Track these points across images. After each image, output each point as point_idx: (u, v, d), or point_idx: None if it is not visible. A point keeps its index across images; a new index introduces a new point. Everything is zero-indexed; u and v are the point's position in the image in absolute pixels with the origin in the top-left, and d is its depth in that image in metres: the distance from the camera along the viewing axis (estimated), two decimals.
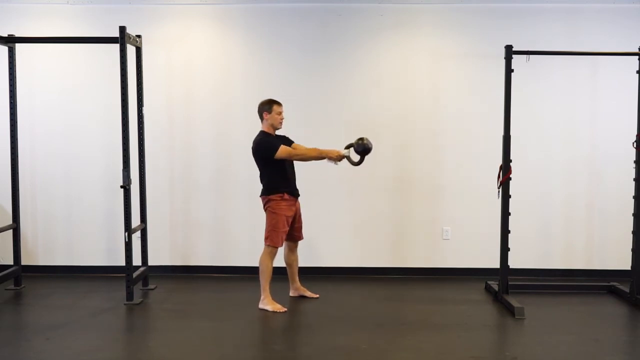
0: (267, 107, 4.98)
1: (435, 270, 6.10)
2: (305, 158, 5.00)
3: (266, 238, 4.97)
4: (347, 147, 5.00)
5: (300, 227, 5.20)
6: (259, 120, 5.04)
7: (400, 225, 6.10)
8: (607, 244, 6.03)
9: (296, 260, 5.28)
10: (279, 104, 5.01)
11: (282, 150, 4.89)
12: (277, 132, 5.08)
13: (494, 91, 5.68)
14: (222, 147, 6.08)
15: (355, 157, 4.98)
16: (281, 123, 5.02)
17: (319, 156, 4.98)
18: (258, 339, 4.51)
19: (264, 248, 4.97)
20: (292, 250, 5.25)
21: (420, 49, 6.00)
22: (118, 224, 5.78)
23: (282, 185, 4.97)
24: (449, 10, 5.96)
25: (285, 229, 4.98)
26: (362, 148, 4.89)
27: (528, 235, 5.98)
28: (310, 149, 5.04)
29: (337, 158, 4.97)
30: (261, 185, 5.04)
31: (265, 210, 5.02)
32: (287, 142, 5.09)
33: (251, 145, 4.98)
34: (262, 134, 5.00)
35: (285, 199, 4.97)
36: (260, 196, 5.05)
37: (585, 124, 6.00)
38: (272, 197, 4.96)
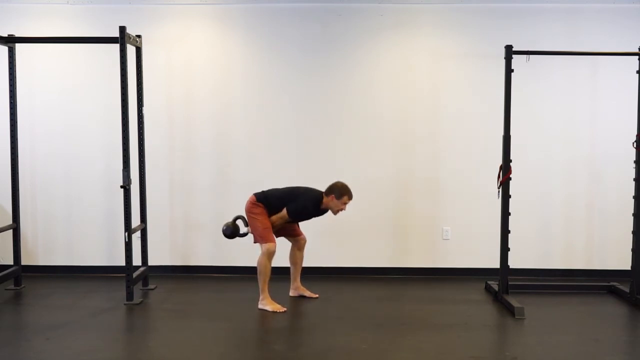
0: (339, 194, 4.96)
1: (435, 270, 6.10)
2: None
3: (259, 239, 4.99)
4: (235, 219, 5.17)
5: (296, 226, 5.23)
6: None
7: (400, 225, 6.10)
8: (607, 244, 6.03)
9: (301, 259, 5.29)
10: (350, 197, 5.00)
11: (285, 217, 4.99)
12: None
13: (494, 91, 5.68)
14: (222, 147, 6.08)
15: (243, 229, 5.15)
16: (337, 213, 5.04)
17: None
18: (258, 339, 4.51)
19: (261, 249, 4.97)
20: (299, 249, 5.26)
21: (420, 49, 6.00)
22: (118, 224, 5.79)
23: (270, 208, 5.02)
24: (449, 10, 5.96)
25: (268, 223, 4.99)
26: (229, 232, 5.13)
27: (528, 235, 5.98)
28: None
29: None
30: (261, 185, 5.05)
31: (248, 218, 5.06)
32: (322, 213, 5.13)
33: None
34: (314, 202, 4.99)
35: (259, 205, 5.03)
36: (250, 202, 5.07)
37: (585, 124, 6.00)
38: (252, 206, 5.02)
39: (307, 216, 5.07)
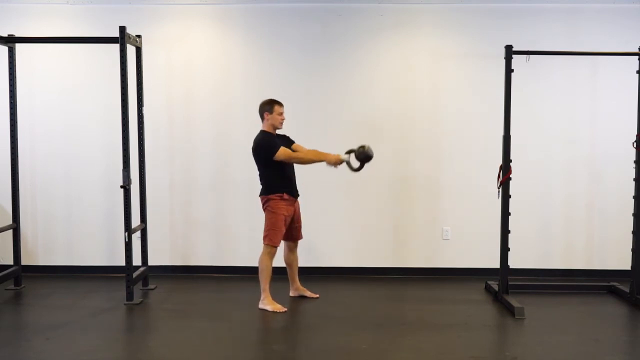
0: (269, 107, 4.98)
1: (435, 270, 6.10)
2: (304, 161, 5.00)
3: (265, 237, 4.97)
4: (348, 152, 4.96)
5: (300, 227, 5.20)
6: (259, 120, 5.04)
7: (400, 225, 6.10)
8: (607, 244, 6.03)
9: (296, 260, 5.28)
10: (280, 104, 5.01)
11: (282, 152, 4.89)
12: (278, 132, 5.07)
13: (494, 91, 5.68)
14: (222, 147, 6.08)
15: (355, 164, 4.94)
16: (282, 123, 5.02)
17: (318, 159, 4.96)
18: (258, 339, 4.51)
19: (263, 248, 4.97)
20: (291, 250, 5.25)
21: (420, 49, 6.00)
22: (118, 224, 5.79)
23: (281, 185, 4.97)
24: (449, 10, 5.96)
25: (284, 228, 4.99)
26: (364, 155, 4.85)
27: (528, 235, 5.98)
28: (309, 152, 5.03)
29: (337, 162, 4.93)
30: (260, 186, 5.04)
31: (264, 210, 5.02)
32: (288, 142, 5.09)
33: (251, 145, 4.98)
34: (263, 133, 5.00)
35: (285, 199, 4.97)
36: (259, 196, 5.05)
37: (585, 124, 6.00)
38: (271, 196, 4.96)
39: (274, 146, 4.89)
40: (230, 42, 6.06)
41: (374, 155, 4.88)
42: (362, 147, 4.86)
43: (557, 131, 6.00)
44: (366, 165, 4.91)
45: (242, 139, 6.02)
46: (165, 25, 6.01)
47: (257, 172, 5.03)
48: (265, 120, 5.00)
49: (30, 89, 5.97)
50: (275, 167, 4.93)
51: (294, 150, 5.05)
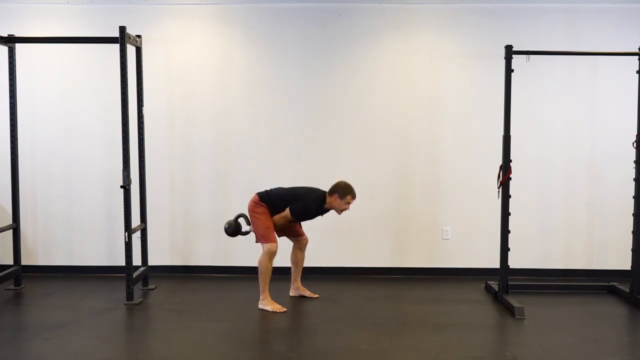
0: (342, 193, 4.93)
1: (435, 270, 6.10)
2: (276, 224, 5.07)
3: (259, 240, 4.99)
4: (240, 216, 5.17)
5: (299, 226, 5.22)
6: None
7: (400, 225, 6.10)
8: (607, 244, 6.03)
9: (303, 260, 5.29)
10: (354, 196, 4.98)
11: (288, 217, 4.98)
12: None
13: (494, 91, 5.69)
14: (222, 147, 6.08)
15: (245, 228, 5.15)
16: (340, 213, 5.03)
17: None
18: (258, 339, 4.51)
19: (262, 248, 4.97)
20: (300, 249, 5.26)
21: (420, 48, 6.00)
22: (118, 224, 5.79)
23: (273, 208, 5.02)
24: (449, 10, 5.96)
25: (272, 224, 4.99)
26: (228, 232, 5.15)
27: (528, 235, 5.98)
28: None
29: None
30: (261, 185, 5.04)
31: (250, 216, 5.06)
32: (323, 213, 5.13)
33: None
34: (317, 202, 4.98)
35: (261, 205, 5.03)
36: (257, 194, 5.06)
37: (585, 124, 6.00)
38: (263, 204, 5.01)
39: (310, 216, 5.07)
40: (230, 42, 6.05)
41: (231, 232, 5.12)
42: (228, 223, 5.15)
43: (557, 131, 6.00)
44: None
45: (242, 139, 6.04)
46: (165, 25, 6.01)
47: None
48: (330, 198, 4.96)
49: (30, 88, 5.98)
50: (278, 210, 5.01)
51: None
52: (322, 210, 5.05)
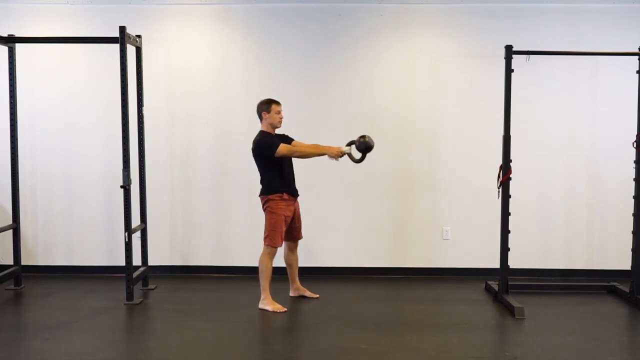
0: (266, 106, 4.98)
1: (435, 270, 6.10)
2: (305, 155, 5.00)
3: (265, 238, 4.97)
4: (349, 144, 5.02)
5: (300, 227, 5.20)
6: (258, 120, 5.04)
7: (400, 225, 6.10)
8: (607, 244, 6.03)
9: (296, 260, 5.28)
10: (277, 103, 5.01)
11: (282, 148, 4.89)
12: (277, 131, 5.07)
13: (494, 91, 5.68)
14: (222, 147, 6.08)
15: (357, 155, 4.99)
16: (280, 122, 5.02)
17: (320, 153, 4.99)
18: (258, 339, 4.51)
19: (264, 248, 4.97)
20: (292, 250, 5.25)
21: (420, 48, 6.00)
22: (118, 224, 5.79)
23: (281, 185, 4.97)
24: (448, 10, 5.96)
25: (284, 228, 4.98)
26: (364, 146, 4.91)
27: (528, 235, 5.97)
28: (310, 146, 5.05)
29: (338, 155, 4.97)
30: (260, 186, 5.03)
31: (264, 210, 5.02)
32: (287, 140, 5.09)
33: (251, 145, 4.98)
34: (261, 133, 5.00)
35: (284, 199, 4.97)
36: (259, 196, 5.05)
37: (585, 124, 6.00)
38: (271, 197, 4.96)
39: (274, 144, 4.90)
40: (230, 41, 6.05)
41: (375, 145, 4.93)
42: (363, 137, 4.92)
43: (557, 131, 6.00)
44: (368, 155, 4.95)
45: (242, 139, 6.02)
46: (165, 25, 6.01)
47: (257, 173, 5.02)
48: (263, 120, 5.00)
49: (30, 88, 5.97)
50: (274, 166, 4.93)
51: (295, 144, 5.09)
52: (274, 137, 4.97)
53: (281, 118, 5.01)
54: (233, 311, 4.99)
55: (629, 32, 5.82)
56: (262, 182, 5.03)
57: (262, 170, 5.00)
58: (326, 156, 5.00)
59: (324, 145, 5.03)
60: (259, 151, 4.93)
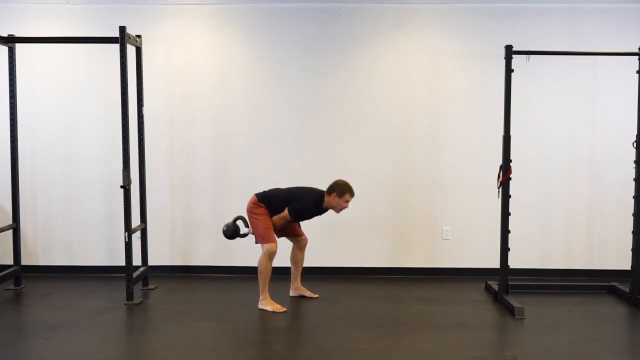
0: (340, 191, 4.94)
1: (435, 270, 6.10)
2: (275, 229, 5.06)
3: (259, 240, 4.98)
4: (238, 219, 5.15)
5: (298, 227, 5.22)
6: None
7: (400, 225, 6.10)
8: (607, 244, 6.03)
9: (302, 260, 5.29)
10: (352, 194, 4.98)
11: (287, 217, 4.97)
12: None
13: (493, 91, 5.69)
14: (222, 147, 6.08)
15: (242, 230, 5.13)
16: (340, 212, 5.04)
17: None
18: (258, 339, 4.51)
19: (262, 249, 4.97)
20: (300, 249, 5.26)
21: (420, 48, 6.00)
22: (118, 224, 5.79)
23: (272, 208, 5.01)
24: (449, 10, 5.96)
25: (271, 224, 4.99)
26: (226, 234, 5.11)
27: (528, 235, 5.97)
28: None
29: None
30: (261, 185, 5.04)
31: (248, 216, 5.06)
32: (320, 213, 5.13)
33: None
34: (318, 201, 4.98)
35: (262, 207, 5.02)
36: (255, 195, 5.06)
37: (585, 124, 6.00)
38: (261, 205, 5.01)
39: (309, 216, 5.07)
40: (230, 42, 6.05)
41: (229, 234, 5.09)
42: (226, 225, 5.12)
43: (557, 131, 6.00)
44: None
45: (242, 139, 6.05)
46: (165, 25, 6.01)
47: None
48: (328, 197, 4.97)
49: (30, 88, 5.97)
50: (278, 210, 5.00)
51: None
52: (320, 210, 5.05)
53: (343, 209, 5.01)
54: (233, 311, 4.99)
55: (629, 32, 5.82)
56: (273, 200, 5.01)
57: (282, 204, 4.98)
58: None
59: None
60: (296, 208, 4.94)
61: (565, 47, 5.77)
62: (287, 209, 4.95)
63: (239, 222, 5.12)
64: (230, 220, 5.15)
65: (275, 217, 4.99)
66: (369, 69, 6.01)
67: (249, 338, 4.46)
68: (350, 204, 5.02)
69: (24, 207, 5.90)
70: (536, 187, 6.02)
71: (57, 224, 6.14)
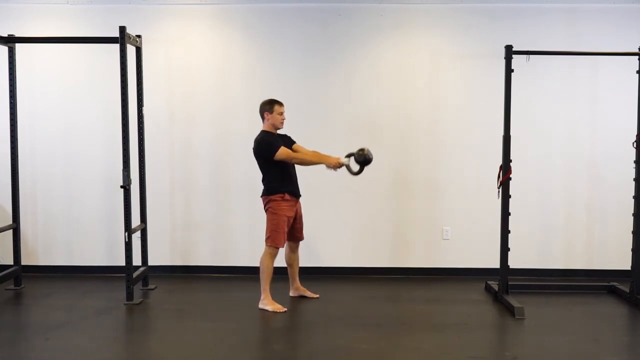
0: (269, 106, 4.98)
1: (435, 270, 6.09)
2: (304, 162, 4.99)
3: (267, 238, 4.96)
4: (348, 156, 4.93)
5: (302, 228, 5.20)
6: (260, 119, 5.04)
7: (400, 225, 6.10)
8: (607, 244, 6.03)
9: (297, 260, 5.28)
10: (280, 104, 5.01)
11: (282, 152, 4.88)
12: (279, 132, 5.07)
13: (493, 91, 5.68)
14: (222, 147, 6.08)
15: (355, 167, 4.92)
16: (282, 123, 5.02)
17: (318, 161, 4.96)
18: (258, 339, 4.51)
19: (265, 248, 4.96)
20: (293, 250, 5.25)
21: (420, 48, 6.00)
22: (118, 224, 5.79)
23: (283, 185, 4.96)
24: (448, 10, 5.96)
25: (286, 229, 4.98)
26: (363, 159, 4.83)
27: (528, 235, 5.97)
28: (310, 154, 5.02)
29: (337, 165, 4.92)
30: (261, 185, 5.03)
31: (265, 211, 5.01)
32: (289, 142, 5.09)
33: (252, 144, 4.98)
34: (263, 133, 5.00)
35: (286, 199, 4.96)
36: (260, 196, 5.04)
37: (585, 124, 6.00)
38: (273, 197, 4.95)
39: (275, 146, 4.88)
40: (230, 42, 6.05)
41: (373, 158, 4.86)
42: (362, 150, 4.84)
43: (557, 131, 6.00)
44: (366, 168, 4.89)
45: (242, 139, 6.02)
46: (165, 25, 6.01)
47: (258, 172, 5.02)
48: (265, 120, 5.00)
49: (30, 88, 5.97)
50: (276, 167, 4.93)
51: (294, 151, 5.04)
52: (276, 136, 4.98)
53: (283, 119, 5.01)
54: (233, 311, 4.99)
55: (629, 32, 5.82)
56: (263, 181, 5.02)
57: (263, 170, 4.99)
58: (324, 166, 4.95)
59: (324, 154, 5.00)
60: (260, 151, 4.93)
61: (565, 47, 5.77)
62: (267, 159, 4.87)
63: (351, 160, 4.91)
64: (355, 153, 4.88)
65: (292, 157, 4.89)
66: (369, 69, 6.01)
67: (249, 338, 4.46)
68: (285, 113, 5.01)
69: (24, 207, 5.89)
70: (536, 187, 6.02)
71: (57, 224, 6.14)
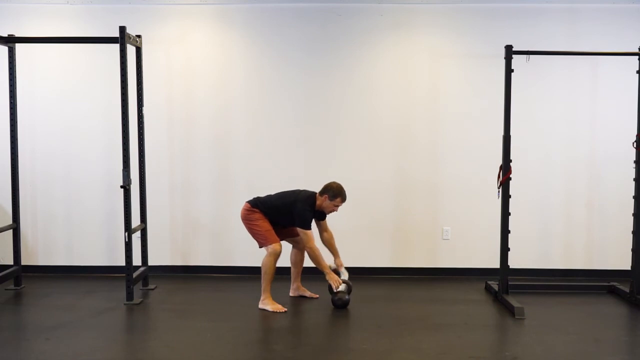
0: (333, 195, 4.95)
1: (435, 270, 6.10)
2: (312, 258, 4.98)
3: (260, 244, 4.98)
4: (344, 282, 5.07)
5: (293, 227, 5.21)
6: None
7: (400, 225, 6.10)
8: (607, 244, 6.03)
9: (302, 261, 5.29)
10: (344, 200, 5.00)
11: (308, 235, 4.89)
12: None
13: (493, 91, 5.69)
14: (222, 147, 6.08)
15: (343, 295, 5.02)
16: (330, 213, 5.04)
17: (322, 270, 4.98)
18: (258, 339, 4.51)
19: (266, 250, 4.96)
20: (300, 250, 5.25)
21: (419, 49, 6.00)
22: (118, 224, 5.79)
23: (266, 214, 4.98)
24: (448, 10, 5.96)
25: (270, 227, 4.97)
26: (340, 302, 4.98)
27: (528, 235, 5.98)
28: (322, 261, 4.98)
29: (334, 283, 4.99)
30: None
31: (243, 223, 5.04)
32: (321, 217, 5.11)
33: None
34: (309, 204, 4.93)
35: (257, 213, 5.00)
36: (247, 202, 5.05)
37: (585, 124, 6.00)
38: (249, 210, 5.00)
39: (308, 225, 4.97)
40: (230, 42, 6.05)
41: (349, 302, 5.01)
42: (343, 292, 4.99)
43: (557, 131, 6.00)
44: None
45: (242, 139, 6.05)
46: (165, 25, 6.01)
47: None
48: (320, 198, 4.97)
49: (30, 88, 5.97)
50: (283, 215, 4.97)
51: (322, 226, 5.14)
52: (315, 213, 5.03)
53: (333, 211, 5.02)
54: (233, 311, 4.99)
55: (629, 32, 5.82)
56: (268, 204, 5.00)
57: (276, 210, 4.97)
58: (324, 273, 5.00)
59: (331, 272, 5.04)
60: (294, 213, 4.89)
61: (565, 47, 5.78)
62: (298, 229, 4.91)
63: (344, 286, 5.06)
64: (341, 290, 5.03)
65: (308, 247, 4.91)
66: (368, 68, 6.01)
67: (249, 338, 4.46)
68: (340, 209, 5.02)
69: (24, 207, 5.90)
70: (536, 187, 6.02)
71: (57, 224, 6.14)
